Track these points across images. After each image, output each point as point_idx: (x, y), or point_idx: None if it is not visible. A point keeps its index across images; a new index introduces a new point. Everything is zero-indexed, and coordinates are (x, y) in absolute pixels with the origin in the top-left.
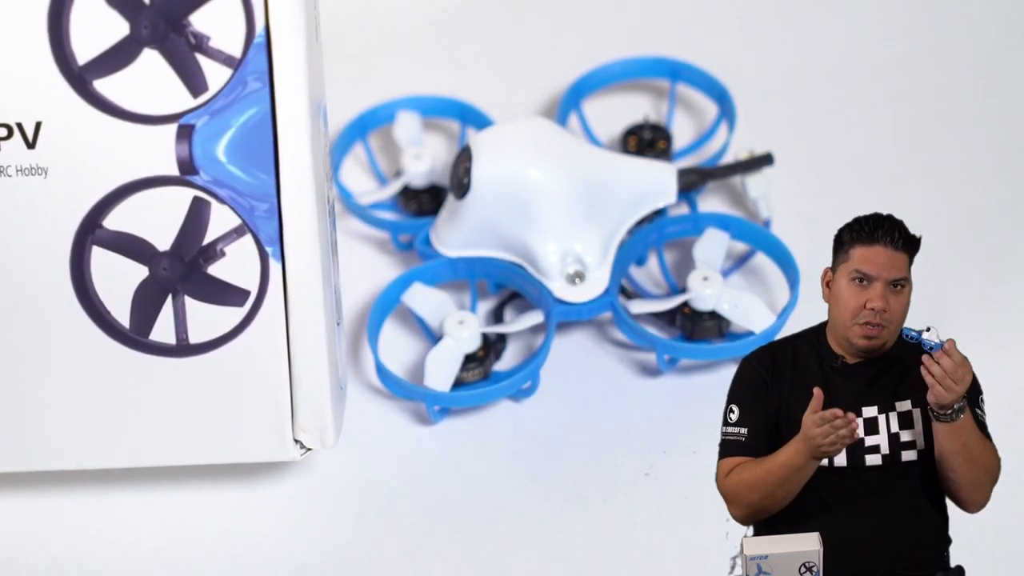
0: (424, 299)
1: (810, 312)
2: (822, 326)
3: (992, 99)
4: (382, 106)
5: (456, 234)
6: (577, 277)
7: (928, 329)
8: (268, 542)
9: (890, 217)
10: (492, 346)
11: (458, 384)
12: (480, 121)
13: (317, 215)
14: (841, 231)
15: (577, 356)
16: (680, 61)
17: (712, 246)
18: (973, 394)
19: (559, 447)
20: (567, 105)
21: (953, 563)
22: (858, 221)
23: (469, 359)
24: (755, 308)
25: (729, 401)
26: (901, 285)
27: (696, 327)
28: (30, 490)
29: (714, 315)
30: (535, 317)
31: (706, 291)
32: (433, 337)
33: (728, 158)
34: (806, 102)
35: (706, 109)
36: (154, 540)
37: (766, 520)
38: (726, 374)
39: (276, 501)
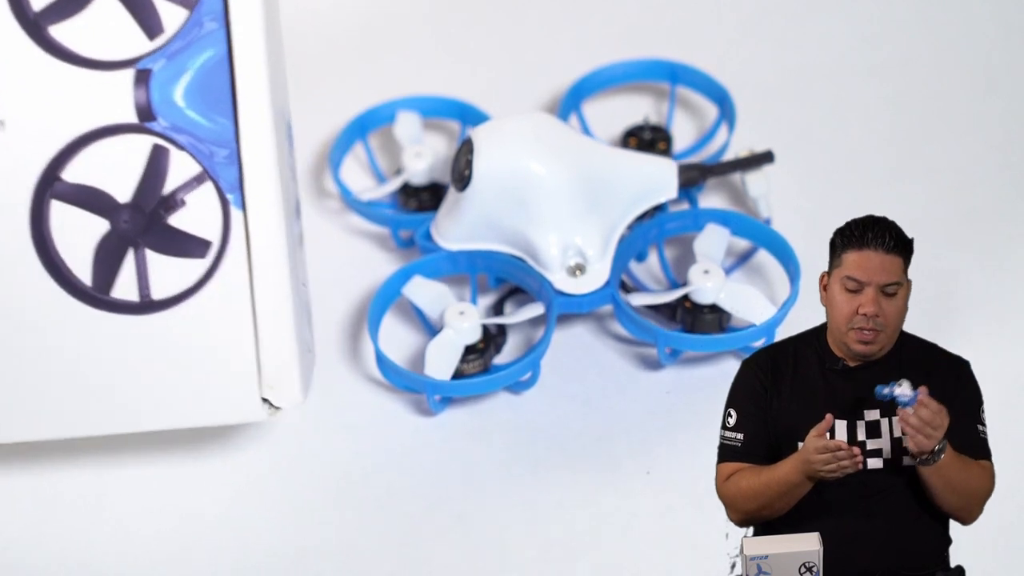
0: (424, 292)
1: (812, 309)
2: (823, 327)
3: (992, 99)
4: (382, 106)
5: (457, 227)
6: (578, 269)
7: (900, 383)
8: (267, 530)
9: (882, 219)
10: (492, 339)
11: (458, 376)
12: (480, 121)
13: (277, 160)
14: (834, 235)
15: (577, 349)
16: (680, 63)
17: (712, 241)
18: (974, 407)
19: (559, 439)
20: (567, 106)
21: (953, 563)
22: (849, 225)
23: (469, 351)
24: (755, 301)
25: (728, 405)
26: (894, 290)
27: (697, 320)
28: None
29: (715, 308)
30: (536, 309)
31: (707, 284)
32: (433, 330)
33: (728, 158)
34: (806, 102)
35: (706, 111)
36: (135, 524)
37: (766, 520)
38: (727, 368)
39: (276, 489)
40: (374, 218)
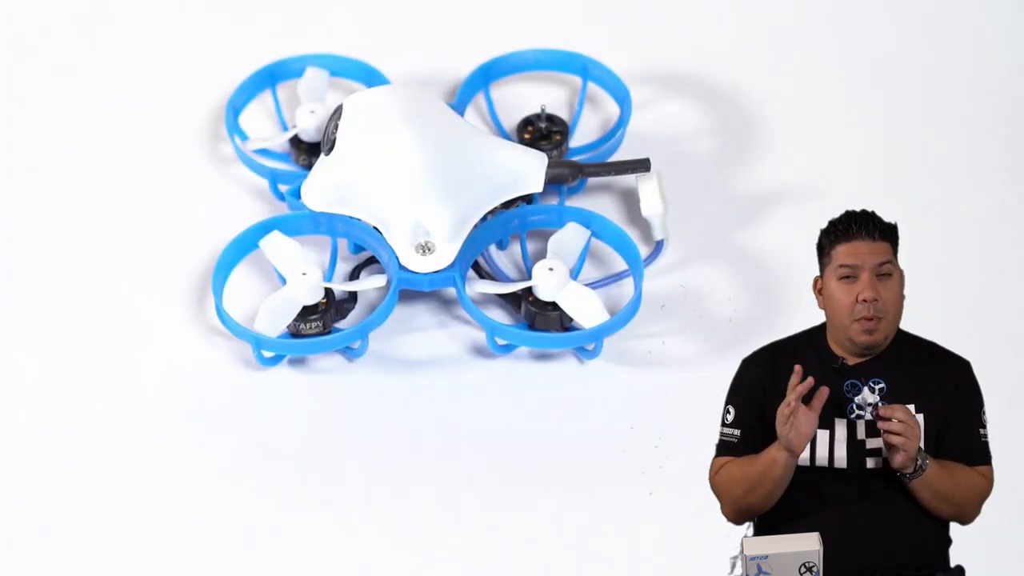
0: (279, 248)
1: (804, 319)
2: (822, 327)
3: (991, 99)
4: (293, 59)
5: (322, 190)
6: (426, 248)
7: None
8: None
9: (863, 211)
10: (338, 303)
11: (297, 336)
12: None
13: None
14: (819, 237)
15: (419, 327)
16: (592, 59)
17: (569, 239)
18: (975, 409)
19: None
20: (473, 84)
21: (953, 563)
22: (831, 223)
23: (311, 311)
24: (591, 305)
25: (727, 402)
26: (888, 272)
27: (539, 316)
28: None
29: (557, 306)
30: (378, 280)
31: (548, 281)
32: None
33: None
34: (808, 107)
35: (615, 110)
36: None
37: (766, 519)
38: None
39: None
40: (255, 168)
